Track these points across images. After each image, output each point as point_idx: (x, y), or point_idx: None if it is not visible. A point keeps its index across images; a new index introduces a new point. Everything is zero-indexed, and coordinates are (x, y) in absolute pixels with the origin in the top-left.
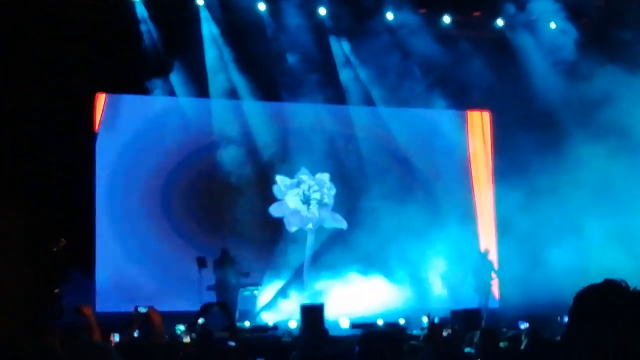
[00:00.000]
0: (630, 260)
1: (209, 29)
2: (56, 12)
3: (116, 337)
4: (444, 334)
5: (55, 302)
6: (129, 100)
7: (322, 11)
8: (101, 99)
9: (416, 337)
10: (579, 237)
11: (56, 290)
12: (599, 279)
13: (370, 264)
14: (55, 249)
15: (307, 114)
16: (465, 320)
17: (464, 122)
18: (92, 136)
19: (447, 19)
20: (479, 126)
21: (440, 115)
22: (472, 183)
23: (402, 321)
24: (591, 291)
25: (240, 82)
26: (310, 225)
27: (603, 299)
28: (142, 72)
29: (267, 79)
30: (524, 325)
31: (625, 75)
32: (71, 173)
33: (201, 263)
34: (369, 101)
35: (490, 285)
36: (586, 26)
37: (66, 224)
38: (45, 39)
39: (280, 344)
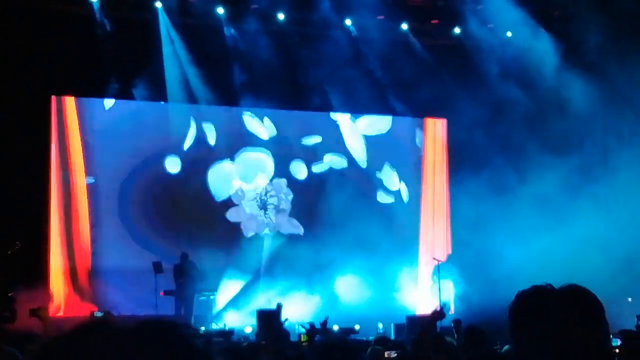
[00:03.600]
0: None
1: (167, 31)
2: (13, 10)
3: None
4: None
5: (9, 305)
6: (86, 103)
7: (281, 16)
8: (57, 101)
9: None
10: (531, 246)
11: (10, 294)
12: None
13: (326, 269)
14: (9, 252)
15: (265, 119)
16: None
17: (421, 129)
18: (47, 139)
19: (404, 26)
20: (435, 133)
21: (396, 122)
22: (425, 190)
23: (357, 327)
24: (522, 300)
25: (198, 86)
26: (267, 231)
27: (534, 306)
28: (99, 75)
29: (226, 83)
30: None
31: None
32: (26, 176)
33: (157, 268)
34: (326, 107)
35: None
36: (544, 34)
37: (21, 227)
38: (2, 39)
39: (239, 349)
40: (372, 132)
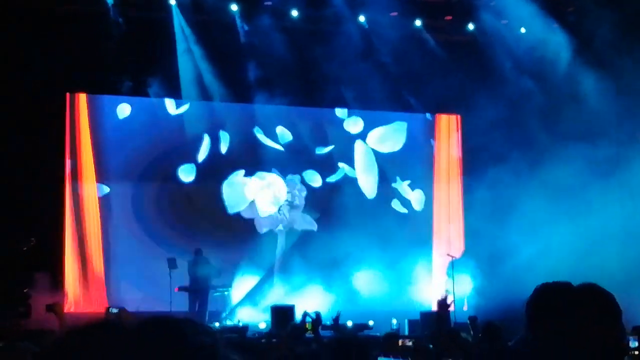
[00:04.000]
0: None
1: (181, 29)
2: (28, 10)
3: None
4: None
5: (24, 301)
6: (100, 101)
7: (295, 13)
8: (72, 98)
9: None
10: (547, 241)
11: (25, 290)
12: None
13: (340, 265)
14: (25, 248)
15: (279, 116)
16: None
17: (433, 126)
18: (62, 136)
19: (418, 22)
20: (449, 130)
21: (410, 118)
22: (439, 187)
23: (371, 323)
24: (540, 294)
25: (212, 83)
26: (280, 227)
27: (552, 302)
28: (113, 72)
29: (239, 80)
30: None
31: (597, 79)
32: (41, 173)
33: (172, 264)
34: (340, 103)
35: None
36: (558, 29)
37: (36, 223)
38: (17, 38)
39: (253, 345)
40: (385, 129)
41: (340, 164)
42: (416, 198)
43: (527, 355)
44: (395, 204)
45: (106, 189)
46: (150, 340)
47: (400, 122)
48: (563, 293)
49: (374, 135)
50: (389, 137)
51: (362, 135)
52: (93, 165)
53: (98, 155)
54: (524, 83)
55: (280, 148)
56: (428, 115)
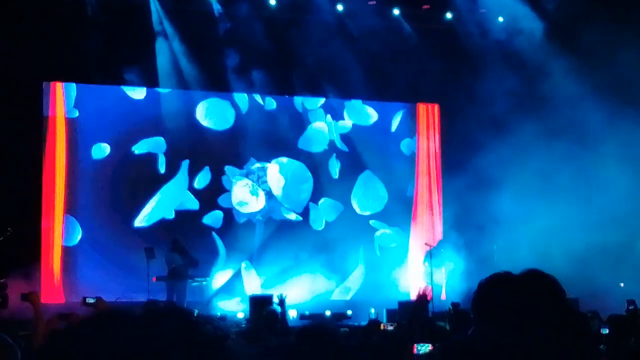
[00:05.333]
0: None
1: (158, 16)
2: None
3: None
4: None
5: (1, 292)
6: (77, 90)
7: (272, 1)
8: (49, 87)
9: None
10: (525, 229)
11: (1, 280)
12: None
13: (318, 255)
14: (1, 238)
15: (257, 105)
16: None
17: (413, 115)
18: (40, 125)
19: (396, 11)
20: (428, 119)
21: (389, 107)
22: (419, 176)
23: (349, 312)
24: (482, 289)
25: (189, 72)
26: (259, 217)
27: (494, 293)
28: (89, 60)
29: (217, 68)
30: None
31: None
32: (18, 162)
33: (149, 253)
34: (318, 91)
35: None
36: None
37: (12, 213)
38: None
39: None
40: (364, 118)
41: (318, 152)
42: (395, 186)
43: (475, 347)
44: (375, 191)
45: (82, 177)
46: (163, 330)
47: (377, 111)
48: (504, 283)
49: (351, 123)
50: (367, 125)
51: (340, 124)
52: (65, 154)
53: (73, 144)
54: (502, 71)
55: (259, 136)
56: (407, 104)
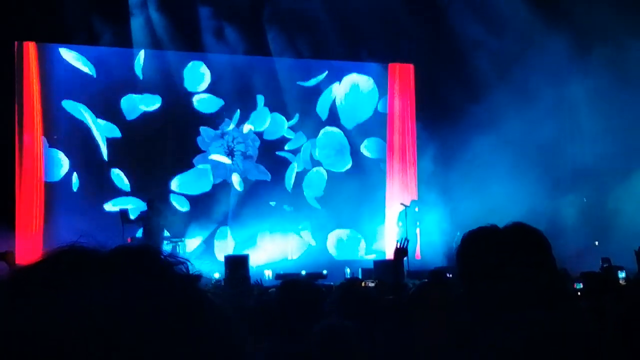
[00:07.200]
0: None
1: None
2: None
3: None
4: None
5: None
6: (51, 50)
7: None
8: (20, 47)
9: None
10: (500, 191)
11: None
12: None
13: (293, 215)
14: None
15: (231, 65)
16: (386, 270)
17: (386, 75)
18: (11, 86)
19: None
20: (402, 79)
21: (363, 67)
22: (393, 135)
23: (324, 272)
24: (467, 241)
25: (163, 32)
26: (234, 177)
27: (480, 246)
28: (64, 20)
29: (191, 28)
30: None
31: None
32: None
33: (124, 216)
34: (291, 52)
35: (415, 236)
36: None
37: None
38: None
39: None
40: (337, 78)
41: (294, 113)
42: (370, 146)
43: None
44: (349, 153)
45: (62, 139)
46: (126, 268)
47: (353, 72)
48: (489, 236)
49: (329, 84)
50: (344, 86)
51: (316, 86)
52: (40, 115)
53: (46, 105)
54: (478, 30)
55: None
56: (381, 64)
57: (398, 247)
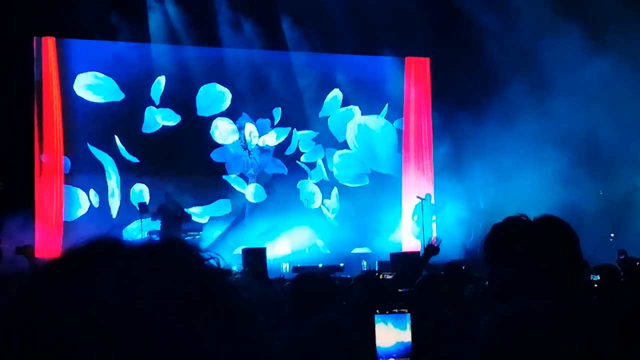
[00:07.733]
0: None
1: None
2: None
3: None
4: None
5: None
6: (69, 45)
7: None
8: (40, 43)
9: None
10: (517, 183)
11: None
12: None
13: (311, 208)
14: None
15: (248, 60)
16: (404, 263)
17: (402, 69)
18: (31, 81)
19: None
20: (418, 72)
21: (379, 61)
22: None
23: (341, 265)
24: (496, 232)
25: (180, 27)
26: (251, 171)
27: (509, 237)
28: (81, 15)
29: (208, 23)
30: None
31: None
32: (9, 118)
33: (143, 208)
34: (309, 47)
35: (431, 230)
36: None
37: (5, 168)
38: None
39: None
40: (355, 72)
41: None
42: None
43: (490, 292)
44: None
45: (79, 134)
46: (160, 261)
47: (367, 64)
48: (519, 227)
49: (346, 79)
50: (361, 80)
51: (333, 80)
52: (60, 106)
53: (66, 100)
54: (496, 25)
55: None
56: (398, 58)
57: (432, 245)
